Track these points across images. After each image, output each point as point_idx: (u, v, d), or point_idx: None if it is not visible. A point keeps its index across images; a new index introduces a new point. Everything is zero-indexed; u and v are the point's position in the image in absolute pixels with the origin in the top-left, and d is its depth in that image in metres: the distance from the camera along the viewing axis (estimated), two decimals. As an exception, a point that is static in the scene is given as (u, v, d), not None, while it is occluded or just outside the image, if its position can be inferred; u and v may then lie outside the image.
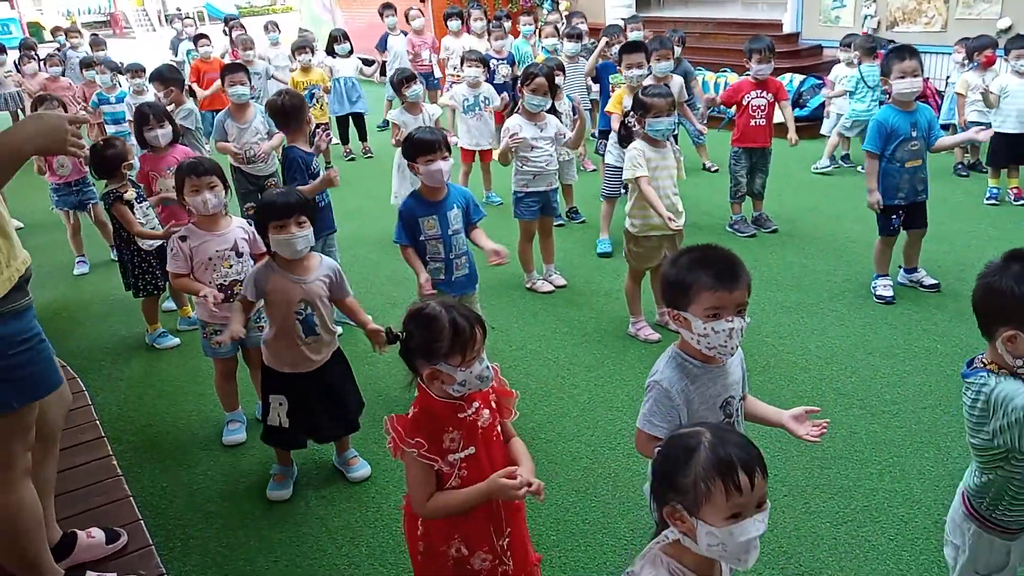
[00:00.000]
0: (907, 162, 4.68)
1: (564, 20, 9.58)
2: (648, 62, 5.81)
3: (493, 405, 2.34)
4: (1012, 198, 6.56)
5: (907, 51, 4.67)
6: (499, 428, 2.35)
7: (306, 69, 8.61)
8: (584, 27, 8.31)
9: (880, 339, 4.50)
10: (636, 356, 4.45)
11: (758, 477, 1.54)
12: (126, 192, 4.60)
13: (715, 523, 1.53)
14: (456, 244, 3.89)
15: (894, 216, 4.82)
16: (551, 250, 5.46)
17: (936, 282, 4.99)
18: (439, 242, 3.86)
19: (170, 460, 3.80)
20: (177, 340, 5.01)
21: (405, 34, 10.49)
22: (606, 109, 6.09)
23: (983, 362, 2.05)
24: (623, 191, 5.82)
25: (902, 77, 4.57)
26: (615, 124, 5.73)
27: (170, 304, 5.32)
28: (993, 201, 6.60)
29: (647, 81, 5.71)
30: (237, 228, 3.79)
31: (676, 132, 6.38)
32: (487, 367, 2.21)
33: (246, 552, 3.15)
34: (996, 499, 2.10)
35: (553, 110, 5.40)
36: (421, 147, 3.77)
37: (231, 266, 3.71)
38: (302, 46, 8.62)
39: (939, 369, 4.11)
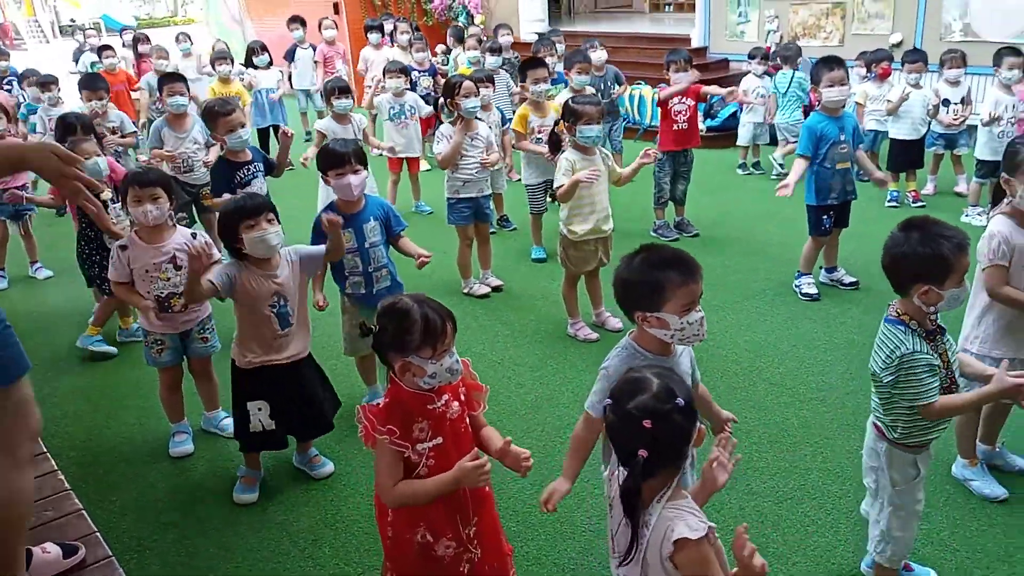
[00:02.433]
0: (838, 163, 5.00)
1: (486, 35, 9.73)
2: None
3: (462, 398, 2.43)
4: (910, 200, 7.04)
5: (835, 62, 5.01)
6: (467, 420, 2.44)
7: (225, 80, 8.48)
8: (509, 39, 8.48)
9: (802, 332, 4.79)
10: (577, 355, 4.61)
11: None
12: (102, 192, 4.48)
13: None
14: (374, 257, 3.86)
15: (825, 216, 5.13)
16: (488, 256, 5.58)
17: (855, 280, 5.34)
18: (356, 255, 3.82)
19: (116, 474, 3.73)
20: (114, 349, 4.91)
21: (314, 47, 10.46)
22: (511, 127, 6.16)
23: (898, 312, 2.46)
24: (550, 203, 6.00)
25: (831, 86, 4.90)
26: (523, 143, 5.91)
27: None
28: (894, 204, 7.07)
29: (565, 94, 5.91)
30: (179, 239, 3.75)
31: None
32: (457, 360, 2.30)
33: (207, 559, 3.14)
34: (894, 423, 2.53)
35: None
36: (331, 160, 3.76)
37: (168, 278, 3.67)
38: (221, 56, 8.50)
39: (859, 358, 4.41)
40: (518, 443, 3.73)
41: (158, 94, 6.29)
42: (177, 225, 3.81)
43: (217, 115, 4.68)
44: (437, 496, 2.28)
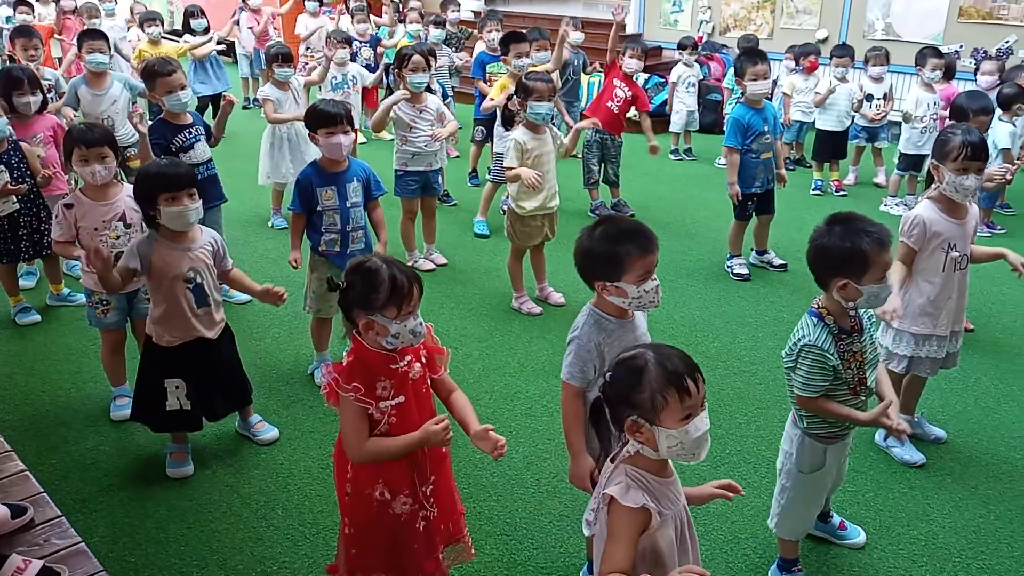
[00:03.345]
0: (762, 154, 5.23)
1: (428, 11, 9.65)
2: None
3: (424, 360, 2.50)
4: (833, 190, 7.38)
5: (759, 56, 5.23)
6: (428, 382, 2.50)
7: (154, 42, 8.21)
8: (457, 15, 8.47)
9: (735, 310, 5.01)
10: (522, 328, 4.71)
11: (700, 380, 1.82)
12: None
13: (672, 426, 1.78)
14: (354, 217, 3.95)
15: (750, 203, 5.36)
16: (433, 230, 5.61)
17: (784, 262, 5.61)
18: (336, 213, 3.90)
19: (56, 438, 3.65)
20: (37, 317, 4.75)
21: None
22: (489, 98, 6.26)
23: (818, 305, 2.55)
24: None
25: (755, 79, 5.11)
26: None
27: (26, 281, 5.05)
28: (817, 192, 7.40)
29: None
30: (127, 197, 3.68)
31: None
32: (420, 323, 2.36)
33: (156, 521, 3.13)
34: (802, 410, 2.63)
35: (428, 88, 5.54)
36: (323, 119, 3.81)
37: (118, 236, 3.61)
38: (151, 18, 8.24)
39: (787, 334, 4.49)
40: (466, 410, 3.86)
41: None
42: (123, 182, 3.74)
43: (156, 74, 4.55)
44: (403, 454, 2.34)
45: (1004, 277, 5.54)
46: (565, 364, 2.51)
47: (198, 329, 3.26)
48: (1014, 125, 6.08)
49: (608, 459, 1.97)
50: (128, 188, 3.70)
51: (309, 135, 3.94)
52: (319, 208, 3.88)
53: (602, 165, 6.62)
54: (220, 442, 3.63)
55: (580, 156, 6.73)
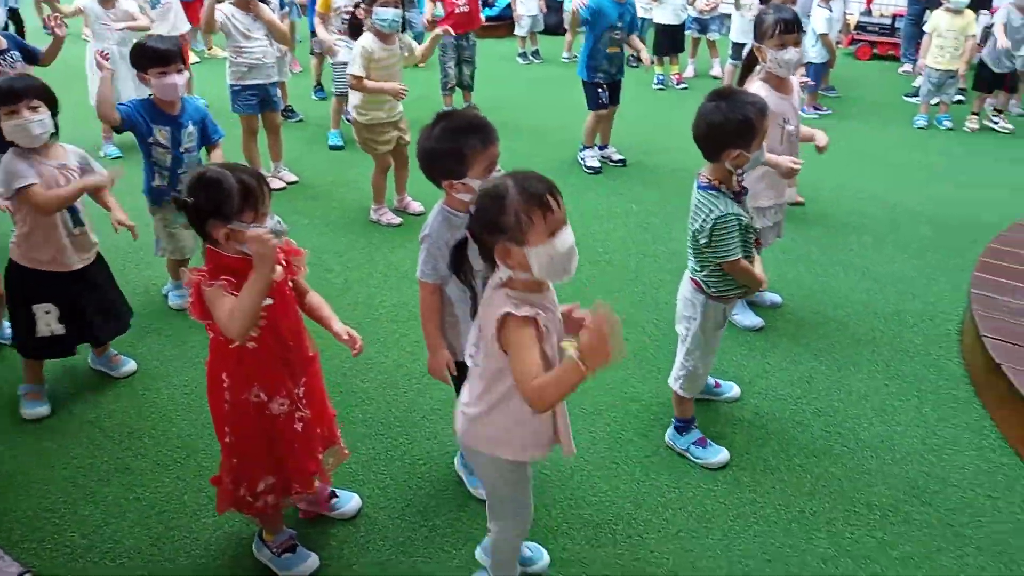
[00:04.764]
0: (609, 47, 5.34)
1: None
2: None
3: (283, 263, 2.47)
4: (675, 83, 7.63)
5: None
6: (291, 283, 2.49)
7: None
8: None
9: (587, 204, 5.18)
10: (381, 239, 4.71)
11: (559, 197, 1.86)
12: None
13: (540, 243, 1.82)
14: (187, 163, 3.69)
15: (600, 90, 5.47)
16: (279, 147, 5.44)
17: (623, 158, 5.80)
18: (167, 153, 3.65)
19: None
20: None
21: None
22: (317, 10, 6.05)
23: (708, 178, 2.65)
24: None
25: None
26: (318, 26, 5.85)
27: None
28: (660, 86, 7.64)
29: None
30: None
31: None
32: (278, 221, 2.30)
33: (17, 465, 3.00)
34: (708, 279, 2.78)
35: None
36: (154, 58, 3.49)
37: None
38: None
39: (637, 224, 4.87)
40: (332, 322, 3.86)
41: None
42: None
43: None
44: (259, 297, 2.19)
45: (829, 153, 5.97)
46: (419, 263, 2.54)
47: (71, 252, 3.14)
48: (831, 11, 6.45)
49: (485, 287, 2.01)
50: None
51: (138, 75, 3.60)
52: (150, 140, 3.61)
53: (459, 67, 6.57)
54: (76, 380, 3.49)
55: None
